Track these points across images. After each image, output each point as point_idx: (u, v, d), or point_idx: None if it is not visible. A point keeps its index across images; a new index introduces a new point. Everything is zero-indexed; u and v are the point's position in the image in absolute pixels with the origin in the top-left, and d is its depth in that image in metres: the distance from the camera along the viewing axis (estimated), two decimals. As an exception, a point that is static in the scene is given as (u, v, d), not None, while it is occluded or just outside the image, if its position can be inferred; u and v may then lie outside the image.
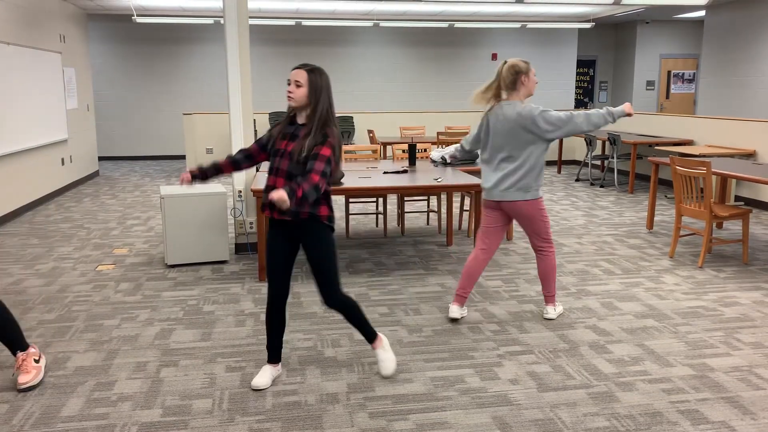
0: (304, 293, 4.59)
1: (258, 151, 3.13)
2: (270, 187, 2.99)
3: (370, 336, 3.26)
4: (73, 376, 3.27)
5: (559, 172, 11.09)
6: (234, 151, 5.48)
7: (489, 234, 3.98)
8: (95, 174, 10.74)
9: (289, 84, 2.96)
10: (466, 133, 9.30)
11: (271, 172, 3.00)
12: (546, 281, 4.03)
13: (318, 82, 2.93)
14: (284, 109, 12.92)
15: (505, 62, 3.84)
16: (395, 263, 5.37)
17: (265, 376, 3.18)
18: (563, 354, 3.53)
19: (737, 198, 8.14)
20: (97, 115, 12.82)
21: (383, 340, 3.31)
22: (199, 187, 5.41)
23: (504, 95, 3.87)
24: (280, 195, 2.64)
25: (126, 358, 3.50)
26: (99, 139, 12.89)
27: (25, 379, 3.12)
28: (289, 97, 2.96)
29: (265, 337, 3.32)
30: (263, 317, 4.09)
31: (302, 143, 2.90)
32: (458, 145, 4.31)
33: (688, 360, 3.45)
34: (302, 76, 2.92)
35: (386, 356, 3.26)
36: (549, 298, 4.08)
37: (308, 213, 2.97)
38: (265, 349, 3.37)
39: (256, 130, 11.08)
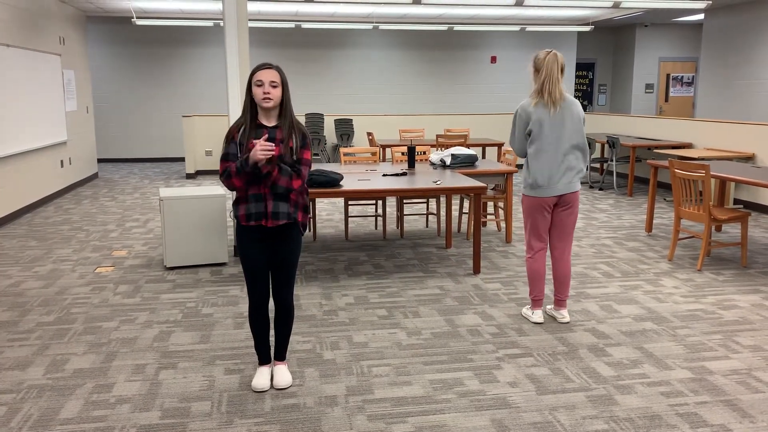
0: (303, 296, 4.59)
1: None
2: (258, 195, 2.92)
3: (284, 352, 3.25)
4: (72, 378, 3.27)
5: (558, 174, 11.09)
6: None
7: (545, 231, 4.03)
8: (94, 176, 10.74)
9: (261, 85, 2.85)
10: (466, 135, 9.29)
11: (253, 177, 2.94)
12: (569, 283, 4.08)
13: (286, 80, 2.93)
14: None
15: (551, 53, 3.77)
16: (394, 266, 5.37)
17: (264, 377, 3.18)
18: (562, 357, 3.53)
19: (736, 201, 8.14)
20: (96, 117, 12.82)
21: (287, 363, 3.33)
22: (198, 190, 5.41)
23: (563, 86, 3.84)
24: (265, 146, 2.72)
25: (125, 360, 3.50)
26: (98, 141, 12.89)
27: None
28: (267, 98, 2.85)
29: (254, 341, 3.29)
30: (262, 320, 4.09)
31: (288, 147, 2.91)
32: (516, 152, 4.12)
33: (687, 363, 3.45)
34: (276, 75, 2.87)
35: (286, 376, 3.22)
36: (565, 301, 4.11)
37: (293, 219, 3.01)
38: (256, 352, 3.35)
39: (255, 133, 11.07)
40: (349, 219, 7.22)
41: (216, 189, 5.40)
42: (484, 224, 6.81)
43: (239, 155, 2.91)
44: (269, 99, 2.86)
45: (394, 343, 3.72)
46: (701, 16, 12.25)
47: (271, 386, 3.19)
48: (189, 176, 10.84)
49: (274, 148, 2.79)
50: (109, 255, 5.72)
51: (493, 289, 4.75)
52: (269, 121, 2.96)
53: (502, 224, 6.90)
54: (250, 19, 11.39)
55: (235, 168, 2.87)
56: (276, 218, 2.96)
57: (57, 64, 8.84)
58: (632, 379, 3.26)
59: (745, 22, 10.40)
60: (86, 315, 4.20)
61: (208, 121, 11.01)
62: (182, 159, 13.18)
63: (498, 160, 7.68)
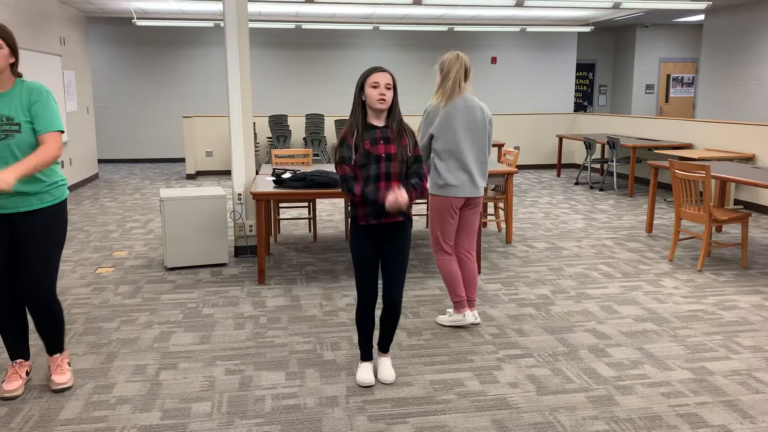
0: (304, 296, 4.59)
1: (357, 169, 3.02)
2: (377, 191, 2.95)
3: (388, 345, 3.33)
4: (72, 379, 3.27)
5: (558, 175, 11.10)
6: (235, 152, 5.48)
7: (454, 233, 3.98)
8: (95, 177, 10.74)
9: (377, 87, 2.94)
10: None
11: (377, 179, 2.97)
12: (476, 284, 4.03)
13: (396, 83, 3.04)
14: (284, 112, 12.94)
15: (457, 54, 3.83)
16: (395, 266, 5.36)
17: (368, 372, 3.23)
18: (563, 357, 3.53)
19: (736, 202, 8.14)
20: (97, 118, 12.82)
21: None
22: (199, 190, 5.41)
23: (465, 87, 3.84)
24: (404, 198, 2.84)
25: (125, 360, 3.50)
26: (99, 141, 12.89)
27: (62, 379, 3.15)
28: (382, 100, 2.95)
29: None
30: (262, 320, 4.09)
31: (403, 145, 3.03)
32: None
33: (688, 363, 3.45)
34: (390, 78, 2.97)
35: (391, 371, 3.28)
36: (474, 302, 4.05)
37: (408, 215, 3.11)
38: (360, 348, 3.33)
39: (255, 133, 11.09)
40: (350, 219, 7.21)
41: (216, 189, 5.41)
42: (485, 225, 6.81)
43: (353, 157, 2.98)
44: (384, 101, 2.95)
45: (394, 344, 3.72)
46: (701, 17, 12.25)
47: (376, 380, 3.24)
48: (189, 177, 10.84)
49: (408, 203, 2.88)
50: (110, 255, 5.73)
51: (494, 289, 4.75)
52: (379, 122, 3.04)
53: (503, 225, 6.90)
54: (250, 20, 11.39)
55: (359, 192, 2.95)
56: (394, 215, 3.04)
57: (57, 64, 8.85)
58: (633, 379, 3.26)
59: (746, 23, 10.40)
60: (87, 315, 4.20)
61: (208, 121, 11.02)
62: (182, 160, 13.19)
63: (498, 161, 7.68)
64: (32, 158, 2.77)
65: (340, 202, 8.42)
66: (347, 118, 12.44)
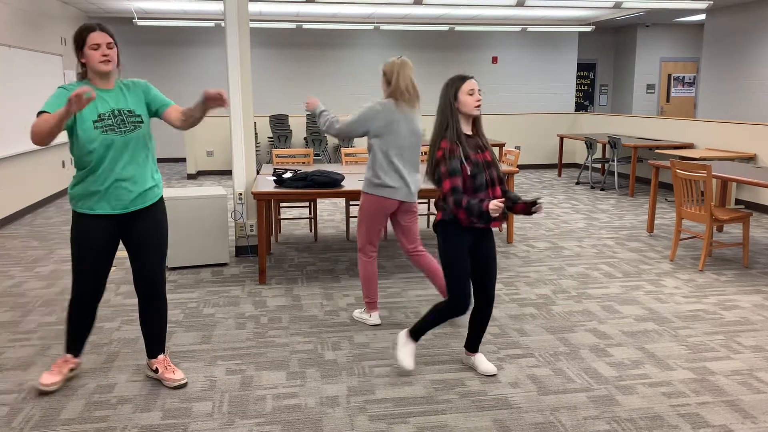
0: (304, 296, 4.59)
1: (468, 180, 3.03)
2: (483, 198, 2.96)
3: (479, 343, 3.40)
4: (73, 379, 3.27)
5: (559, 175, 11.10)
6: (236, 152, 5.48)
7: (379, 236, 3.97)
8: (96, 176, 10.73)
9: (472, 94, 3.02)
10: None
11: (481, 187, 2.99)
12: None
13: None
14: (284, 111, 12.94)
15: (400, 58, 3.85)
16: (395, 266, 5.37)
17: (410, 355, 3.30)
18: (563, 357, 3.53)
19: (737, 201, 8.14)
20: (98, 118, 12.82)
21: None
22: (199, 190, 5.42)
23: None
24: (502, 203, 2.88)
25: (126, 360, 3.50)
26: (100, 141, 12.88)
27: (178, 375, 3.19)
28: (479, 106, 3.03)
29: (421, 325, 3.30)
30: (263, 320, 4.09)
31: (491, 150, 3.12)
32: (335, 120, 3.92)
33: (689, 363, 3.45)
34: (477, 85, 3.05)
35: (489, 363, 3.36)
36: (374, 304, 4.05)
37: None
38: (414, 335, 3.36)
39: (256, 133, 11.08)
40: (351, 219, 7.22)
41: (217, 189, 5.41)
42: (486, 224, 6.81)
43: (464, 169, 2.97)
44: (480, 107, 3.06)
45: (395, 344, 3.72)
46: (702, 17, 12.24)
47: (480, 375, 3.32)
48: (190, 176, 10.84)
49: (502, 207, 2.90)
50: (111, 255, 5.72)
51: (495, 289, 4.74)
52: (467, 129, 3.10)
53: (503, 225, 6.90)
54: (251, 20, 11.40)
55: (465, 204, 2.93)
56: (499, 220, 3.08)
57: (59, 64, 8.85)
58: (634, 379, 3.26)
59: (747, 22, 10.39)
60: (88, 315, 4.20)
61: (209, 121, 11.02)
62: (183, 159, 13.19)
63: (499, 161, 7.69)
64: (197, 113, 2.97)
65: (341, 202, 8.41)
66: (347, 117, 12.42)
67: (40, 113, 2.76)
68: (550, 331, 3.92)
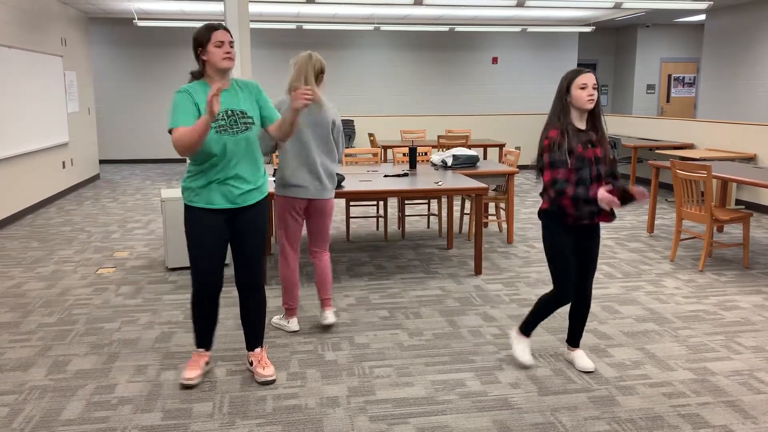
0: (304, 296, 4.59)
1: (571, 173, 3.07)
2: (586, 193, 2.99)
3: (580, 339, 3.45)
4: (74, 380, 3.27)
5: (559, 175, 11.08)
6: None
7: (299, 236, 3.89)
8: (96, 177, 10.75)
9: (584, 88, 3.02)
10: (467, 136, 9.29)
11: (585, 182, 3.02)
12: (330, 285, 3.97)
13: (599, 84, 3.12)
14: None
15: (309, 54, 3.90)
16: (396, 266, 5.37)
17: (526, 350, 3.41)
18: (564, 357, 3.53)
19: (738, 202, 8.14)
20: (98, 119, 12.83)
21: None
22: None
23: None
24: (614, 197, 2.91)
25: (126, 361, 3.50)
26: (100, 142, 12.89)
27: (269, 371, 3.24)
28: (591, 100, 3.03)
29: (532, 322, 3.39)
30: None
31: (606, 147, 3.10)
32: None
33: (689, 364, 3.45)
34: (595, 79, 3.04)
35: (588, 359, 3.40)
36: (329, 301, 3.97)
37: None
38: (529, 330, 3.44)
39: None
40: (351, 220, 7.22)
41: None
42: (486, 225, 6.81)
43: (568, 161, 3.00)
44: (593, 100, 3.02)
45: (395, 344, 3.72)
46: (703, 17, 12.24)
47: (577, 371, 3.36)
48: (190, 177, 10.83)
49: (617, 202, 2.94)
50: (111, 256, 5.73)
51: (495, 290, 4.74)
52: (581, 124, 3.10)
53: (504, 225, 6.90)
54: (251, 20, 11.40)
55: (572, 193, 2.98)
56: (607, 215, 3.11)
57: (59, 65, 8.86)
58: (634, 379, 3.26)
59: (747, 23, 10.39)
60: (88, 316, 4.20)
61: (209, 122, 11.00)
62: (184, 160, 13.19)
63: (499, 161, 7.68)
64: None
65: (342, 203, 8.41)
66: (348, 118, 12.46)
67: (171, 129, 2.87)
68: (550, 331, 3.92)
